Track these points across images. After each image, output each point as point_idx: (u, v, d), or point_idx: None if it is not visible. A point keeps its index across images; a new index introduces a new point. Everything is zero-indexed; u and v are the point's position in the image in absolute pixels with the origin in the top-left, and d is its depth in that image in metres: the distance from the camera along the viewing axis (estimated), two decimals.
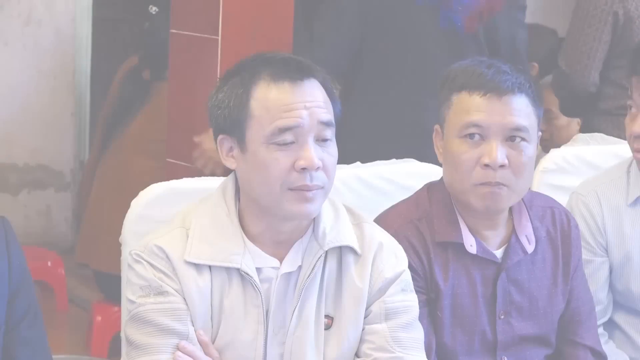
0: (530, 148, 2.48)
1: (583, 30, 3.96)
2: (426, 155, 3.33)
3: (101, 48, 6.57)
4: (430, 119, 3.46)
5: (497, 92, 2.46)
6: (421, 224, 2.52)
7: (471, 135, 2.46)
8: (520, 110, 2.46)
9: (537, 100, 2.50)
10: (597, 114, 4.05)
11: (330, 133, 2.25)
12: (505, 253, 2.55)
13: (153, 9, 4.78)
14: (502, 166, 2.44)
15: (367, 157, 2.95)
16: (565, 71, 3.99)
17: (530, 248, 2.56)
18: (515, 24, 3.62)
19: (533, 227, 2.58)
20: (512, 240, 2.55)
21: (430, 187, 2.60)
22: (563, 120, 4.48)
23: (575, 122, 4.46)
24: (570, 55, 3.99)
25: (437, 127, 2.58)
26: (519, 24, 3.64)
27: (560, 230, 2.62)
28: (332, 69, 3.44)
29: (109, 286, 4.61)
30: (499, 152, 2.44)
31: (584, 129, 4.09)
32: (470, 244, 2.52)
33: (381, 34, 3.48)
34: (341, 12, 3.49)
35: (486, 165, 2.44)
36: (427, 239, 2.51)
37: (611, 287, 2.85)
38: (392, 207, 2.60)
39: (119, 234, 2.50)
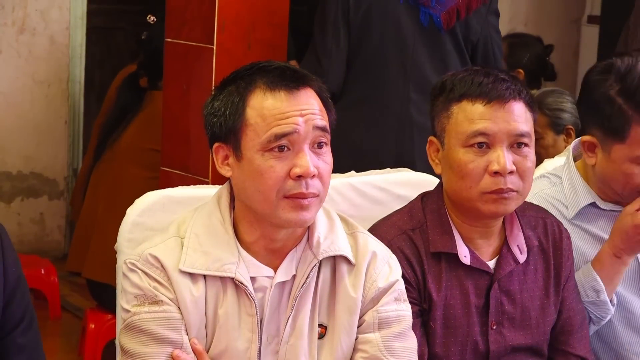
0: (532, 153, 2.51)
1: None
2: (411, 146, 3.41)
3: (95, 57, 6.59)
4: (415, 111, 3.57)
5: (500, 99, 2.47)
6: (415, 235, 2.53)
7: (479, 145, 2.47)
8: (521, 116, 2.48)
9: (532, 105, 2.52)
10: None
11: (325, 138, 2.26)
12: (498, 263, 2.55)
13: (151, 19, 4.79)
14: (510, 173, 2.46)
15: (354, 151, 2.98)
16: None
17: (522, 258, 2.57)
18: (489, 27, 3.73)
19: (525, 236, 2.59)
20: (503, 250, 2.56)
21: (424, 197, 2.61)
22: (549, 139, 4.50)
23: (562, 140, 4.48)
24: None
25: (431, 138, 2.58)
26: (492, 27, 3.74)
27: (552, 240, 2.63)
28: (339, 77, 3.57)
29: (102, 294, 4.61)
30: (507, 159, 2.45)
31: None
32: (465, 255, 2.52)
33: (366, 31, 3.57)
34: (332, 19, 3.57)
35: (496, 173, 2.45)
36: (420, 250, 2.52)
37: None
38: (386, 217, 2.61)
39: (113, 242, 2.50)
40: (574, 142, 2.95)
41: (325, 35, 3.57)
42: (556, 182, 2.87)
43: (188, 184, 2.65)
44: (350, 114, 3.55)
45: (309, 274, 2.28)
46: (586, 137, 2.78)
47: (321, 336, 2.31)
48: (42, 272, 5.30)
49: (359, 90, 3.60)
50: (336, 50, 3.56)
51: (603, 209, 2.82)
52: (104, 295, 4.56)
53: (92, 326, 4.62)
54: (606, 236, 2.80)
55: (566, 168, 2.88)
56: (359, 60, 3.58)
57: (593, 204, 2.82)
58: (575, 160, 2.88)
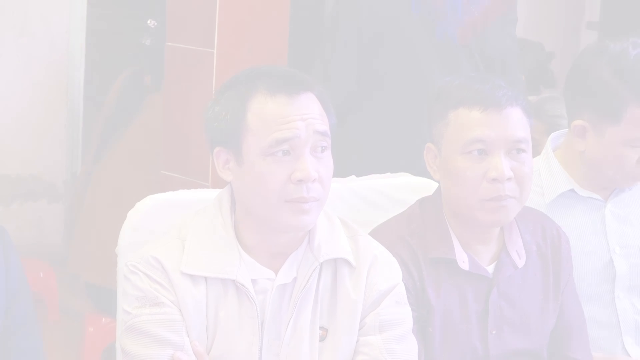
0: (530, 159, 2.51)
1: None
2: (423, 166, 3.37)
3: (95, 60, 6.58)
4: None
5: (497, 106, 2.48)
6: (413, 240, 2.53)
7: (477, 151, 2.48)
8: (518, 122, 2.49)
9: (528, 111, 2.53)
10: None
11: (326, 142, 2.27)
12: (497, 268, 2.56)
13: (152, 23, 4.79)
14: (508, 179, 2.46)
15: (364, 170, 2.95)
16: None
17: (520, 263, 2.57)
18: (507, 38, 3.64)
19: (523, 241, 2.59)
20: (502, 255, 2.57)
21: (422, 202, 2.61)
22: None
23: None
24: None
25: (429, 145, 2.58)
26: (510, 37, 3.65)
27: (550, 245, 2.64)
28: (346, 94, 3.48)
29: (101, 298, 4.62)
30: (504, 166, 2.46)
31: None
32: (463, 260, 2.53)
33: (378, 45, 3.49)
34: (342, 35, 3.49)
35: (494, 180, 2.46)
36: (419, 255, 2.52)
37: None
38: (384, 222, 2.61)
39: (112, 245, 2.50)
40: (553, 134, 2.95)
41: (334, 52, 3.48)
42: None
43: (188, 188, 2.66)
44: (362, 131, 3.50)
45: (310, 276, 2.29)
46: (577, 122, 2.78)
47: (322, 339, 2.31)
48: (41, 275, 5.29)
49: (370, 107, 3.53)
50: (344, 67, 3.48)
51: (581, 196, 2.82)
52: (103, 299, 4.57)
53: (91, 330, 4.62)
54: (582, 230, 2.81)
55: (544, 158, 2.88)
56: (371, 78, 3.51)
57: (571, 191, 2.83)
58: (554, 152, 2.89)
